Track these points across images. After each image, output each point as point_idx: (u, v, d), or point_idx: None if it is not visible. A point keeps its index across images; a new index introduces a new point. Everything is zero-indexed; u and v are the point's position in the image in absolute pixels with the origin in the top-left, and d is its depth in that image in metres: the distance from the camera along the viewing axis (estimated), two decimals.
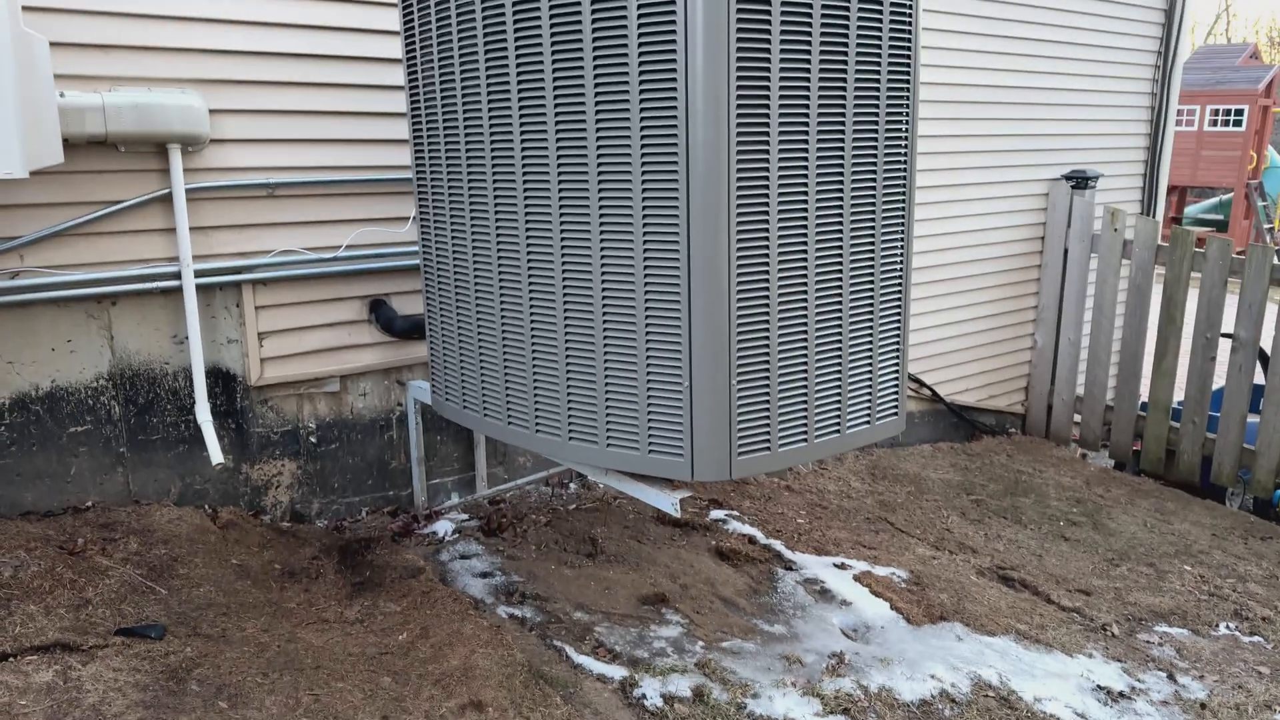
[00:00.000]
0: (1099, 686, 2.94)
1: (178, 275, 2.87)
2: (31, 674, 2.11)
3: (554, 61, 2.22)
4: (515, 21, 2.28)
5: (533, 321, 2.44)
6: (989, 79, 4.90)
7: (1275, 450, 4.75)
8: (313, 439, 3.25)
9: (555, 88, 2.24)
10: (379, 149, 3.18)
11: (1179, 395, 5.18)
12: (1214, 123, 14.40)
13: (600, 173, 2.21)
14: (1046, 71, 5.15)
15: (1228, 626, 3.58)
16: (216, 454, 2.90)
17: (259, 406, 3.13)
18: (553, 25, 2.21)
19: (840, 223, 2.34)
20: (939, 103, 4.70)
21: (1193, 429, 5.06)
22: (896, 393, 2.56)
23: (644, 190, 2.16)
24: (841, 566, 3.35)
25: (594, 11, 2.13)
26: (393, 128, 3.19)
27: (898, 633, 2.98)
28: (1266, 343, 4.90)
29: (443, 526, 3.23)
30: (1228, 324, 4.91)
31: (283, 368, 3.13)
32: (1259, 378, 5.12)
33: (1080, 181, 5.38)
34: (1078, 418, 5.57)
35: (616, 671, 2.50)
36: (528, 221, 2.39)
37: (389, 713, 2.20)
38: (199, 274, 2.90)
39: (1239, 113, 14.11)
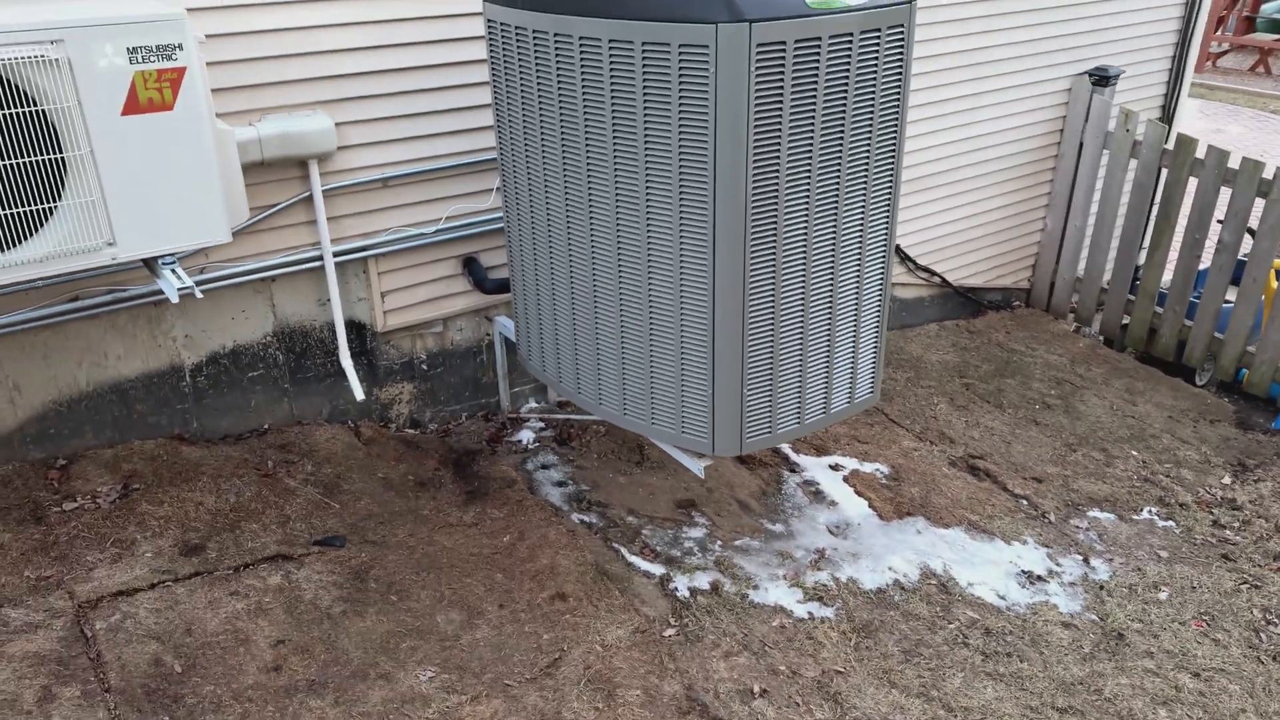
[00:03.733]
0: (1023, 571, 3.89)
1: (319, 257, 3.68)
2: (267, 578, 3.17)
3: (611, 83, 2.89)
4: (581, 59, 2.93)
5: (598, 329, 3.25)
6: None
7: (1240, 340, 5.44)
8: (424, 365, 4.15)
9: (613, 104, 2.91)
10: (468, 137, 3.84)
11: (1166, 282, 5.82)
12: None
13: (649, 206, 2.94)
14: None
15: (1150, 511, 4.47)
16: (358, 392, 3.84)
17: (384, 346, 4.02)
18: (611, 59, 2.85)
19: (832, 264, 3.05)
20: (966, 20, 5.06)
21: (1173, 316, 5.73)
22: (874, 377, 3.36)
23: (681, 195, 2.89)
24: (835, 467, 4.27)
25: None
26: (479, 118, 3.84)
27: (870, 529, 3.94)
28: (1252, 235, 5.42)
29: (525, 435, 4.18)
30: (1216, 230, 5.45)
31: (400, 316, 3.98)
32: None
33: (1101, 79, 5.74)
34: (1076, 296, 6.24)
35: (657, 569, 3.51)
36: (593, 235, 3.13)
37: (504, 602, 3.24)
38: (335, 254, 3.71)
39: None
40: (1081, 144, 5.86)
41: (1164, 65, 6.14)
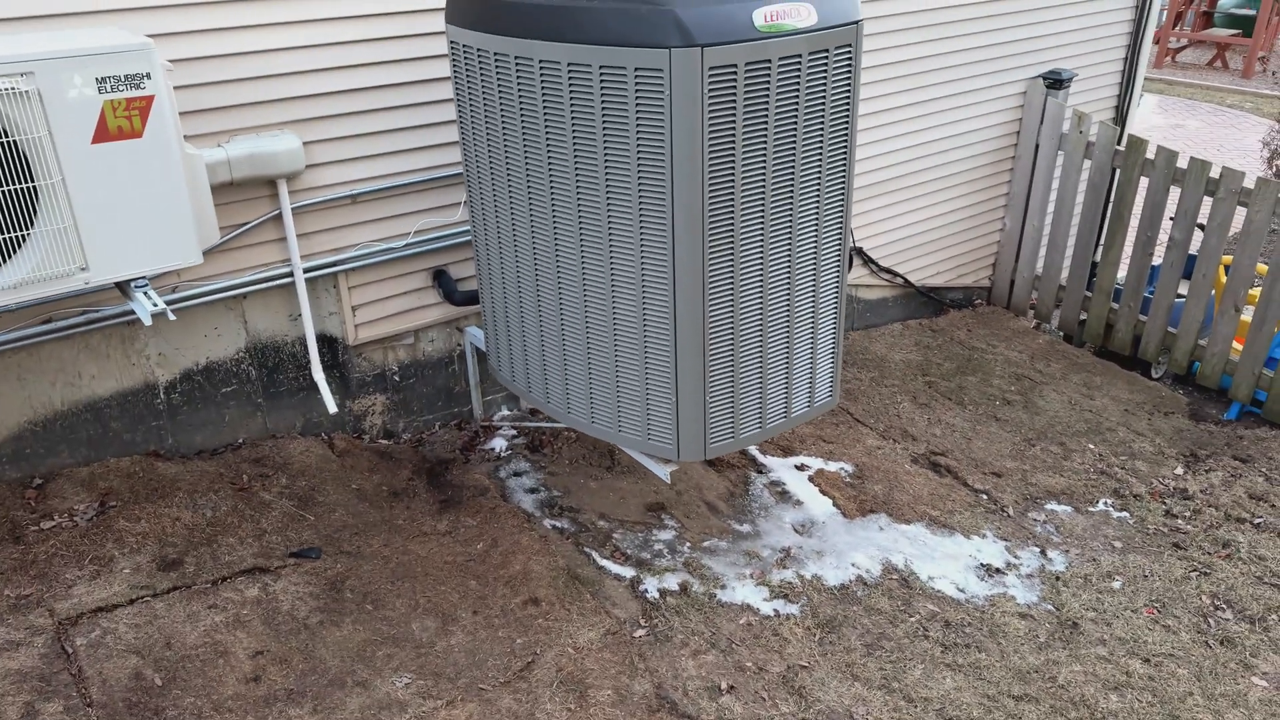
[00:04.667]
0: (982, 565, 4.02)
1: (290, 274, 3.75)
2: (244, 591, 3.24)
3: (571, 100, 2.98)
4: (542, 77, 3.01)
5: (565, 340, 3.34)
6: None
7: (1192, 334, 5.61)
8: (396, 377, 4.23)
9: (573, 117, 3.00)
10: (434, 152, 3.92)
11: (1121, 279, 5.98)
12: None
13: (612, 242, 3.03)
14: None
15: (1105, 503, 4.62)
16: (330, 404, 3.90)
17: (356, 359, 4.09)
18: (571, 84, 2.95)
19: (788, 275, 3.16)
20: (924, 28, 5.19)
21: (1128, 311, 5.90)
22: (833, 381, 3.47)
23: (640, 212, 2.99)
24: (801, 467, 4.39)
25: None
26: (444, 134, 3.91)
27: (834, 526, 4.05)
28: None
29: (498, 443, 4.26)
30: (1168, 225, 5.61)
31: (372, 329, 4.05)
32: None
33: (1055, 82, 5.89)
34: (1035, 293, 6.40)
35: (628, 571, 3.60)
36: (558, 250, 3.22)
37: (478, 608, 3.33)
38: (306, 270, 3.77)
39: None
40: (1037, 146, 6.01)
41: (1116, 68, 6.31)
